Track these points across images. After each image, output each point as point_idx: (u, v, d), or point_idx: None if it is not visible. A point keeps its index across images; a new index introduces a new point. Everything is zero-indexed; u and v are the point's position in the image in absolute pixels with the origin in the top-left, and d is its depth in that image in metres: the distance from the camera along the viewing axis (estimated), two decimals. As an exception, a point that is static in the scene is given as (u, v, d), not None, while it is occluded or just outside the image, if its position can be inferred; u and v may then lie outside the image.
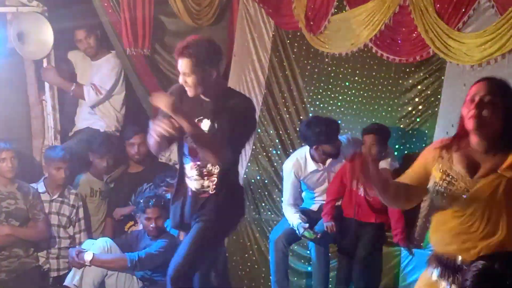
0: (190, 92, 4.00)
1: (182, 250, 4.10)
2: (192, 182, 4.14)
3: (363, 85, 5.51)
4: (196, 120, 4.02)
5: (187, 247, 4.08)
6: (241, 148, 4.23)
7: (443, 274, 3.09)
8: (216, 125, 4.00)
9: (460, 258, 3.04)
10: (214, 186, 4.11)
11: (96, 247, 5.35)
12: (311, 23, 5.41)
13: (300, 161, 5.31)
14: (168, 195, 5.31)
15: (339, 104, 5.63)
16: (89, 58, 6.24)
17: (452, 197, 3.04)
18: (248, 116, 4.09)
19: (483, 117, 2.97)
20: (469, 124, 3.00)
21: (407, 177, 3.19)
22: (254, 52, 5.99)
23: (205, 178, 4.11)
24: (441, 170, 3.08)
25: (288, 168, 5.36)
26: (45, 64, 6.06)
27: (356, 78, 5.46)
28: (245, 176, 6.03)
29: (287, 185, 5.39)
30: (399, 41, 5.12)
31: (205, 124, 4.03)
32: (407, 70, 5.34)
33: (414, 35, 5.08)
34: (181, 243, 4.25)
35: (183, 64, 3.92)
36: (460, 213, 3.03)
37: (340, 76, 5.55)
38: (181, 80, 3.99)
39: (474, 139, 3.05)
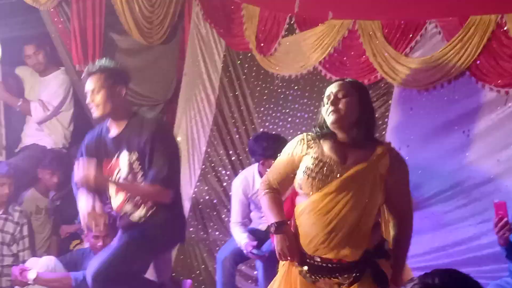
0: (98, 112, 3.99)
1: (105, 254, 4.09)
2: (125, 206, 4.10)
3: (312, 107, 5.59)
4: (115, 158, 4.00)
5: (111, 255, 4.05)
6: (178, 168, 4.18)
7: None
8: (132, 155, 3.95)
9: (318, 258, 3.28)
10: (150, 212, 4.06)
11: (40, 265, 5.24)
12: (262, 44, 5.49)
13: (248, 179, 5.36)
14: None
15: (288, 125, 5.71)
16: (37, 74, 6.21)
17: (324, 182, 3.23)
18: (168, 133, 4.14)
19: (340, 110, 3.26)
20: (329, 120, 3.27)
21: (280, 174, 3.40)
22: (205, 71, 6.03)
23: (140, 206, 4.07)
24: (313, 157, 3.30)
25: (236, 185, 5.41)
26: (-10, 78, 6.00)
27: (306, 100, 5.55)
28: (193, 195, 6.06)
29: (235, 203, 5.43)
30: (348, 65, 5.22)
31: (123, 158, 4.00)
32: (356, 93, 5.43)
33: (362, 59, 5.18)
34: (107, 247, 4.23)
35: (92, 81, 3.96)
36: (325, 201, 3.22)
37: (290, 97, 5.63)
38: (88, 99, 4.00)
39: (338, 134, 3.31)
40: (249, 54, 5.74)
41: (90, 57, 5.96)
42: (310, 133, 3.40)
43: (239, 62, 5.88)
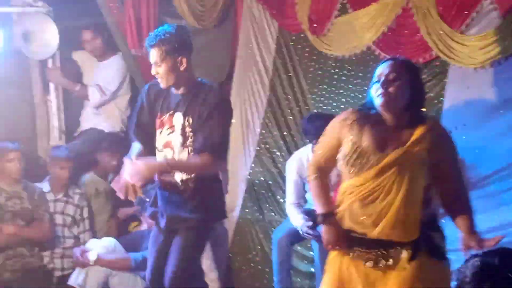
0: (162, 83, 4.01)
1: (173, 259, 4.14)
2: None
3: (365, 87, 5.50)
4: (168, 114, 4.07)
5: (178, 257, 4.13)
6: (228, 138, 4.22)
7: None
8: (187, 119, 4.01)
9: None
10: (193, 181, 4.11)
11: (100, 247, 5.39)
12: (315, 25, 5.43)
13: (302, 159, 5.35)
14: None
15: (342, 106, 5.66)
16: (95, 58, 6.30)
17: (361, 169, 3.25)
18: (222, 105, 4.10)
19: (389, 93, 3.22)
20: (377, 102, 3.24)
21: (326, 154, 3.44)
22: (258, 53, 6.00)
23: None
24: (352, 142, 3.29)
25: (291, 166, 5.41)
26: (50, 64, 6.12)
27: (359, 80, 5.49)
28: (249, 177, 6.08)
29: (290, 184, 5.43)
30: (402, 43, 5.14)
31: (177, 118, 4.06)
32: (410, 72, 5.37)
33: (416, 37, 5.09)
34: (170, 253, 4.22)
35: (154, 54, 3.96)
36: (365, 186, 3.24)
37: (343, 78, 5.57)
38: (153, 71, 4.00)
39: (384, 115, 3.28)
40: (302, 35, 5.70)
41: (144, 41, 5.99)
42: (354, 111, 3.38)
43: (292, 43, 5.83)
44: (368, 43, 5.22)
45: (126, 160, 3.99)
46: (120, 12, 6.04)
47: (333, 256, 3.45)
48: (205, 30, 6.12)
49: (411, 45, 5.11)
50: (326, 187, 3.49)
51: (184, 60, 3.99)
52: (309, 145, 5.35)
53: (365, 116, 3.31)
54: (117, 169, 6.12)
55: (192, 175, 4.09)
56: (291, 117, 5.95)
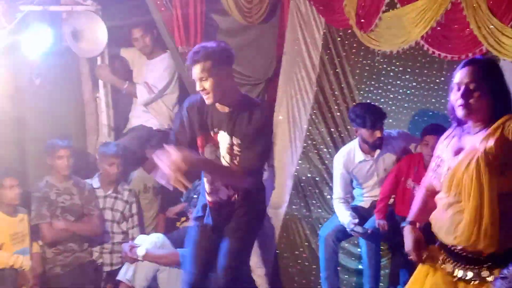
0: (209, 99, 3.91)
1: (224, 261, 4.17)
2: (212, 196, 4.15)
3: (414, 83, 5.48)
4: (212, 133, 4.01)
5: (229, 257, 4.15)
6: (267, 156, 4.23)
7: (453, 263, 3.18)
8: (234, 139, 3.95)
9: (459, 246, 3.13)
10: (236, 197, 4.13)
11: (149, 242, 5.41)
12: (362, 20, 5.37)
13: (350, 153, 5.34)
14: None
15: (390, 102, 5.60)
16: (144, 56, 6.31)
17: (438, 179, 3.18)
18: (268, 125, 4.11)
19: (471, 105, 3.06)
20: (459, 112, 3.09)
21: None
22: (305, 49, 5.95)
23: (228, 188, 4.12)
24: (437, 155, 3.24)
25: (338, 160, 5.39)
26: (99, 62, 6.13)
27: (407, 76, 5.42)
28: (295, 173, 6.05)
29: (337, 179, 5.40)
30: (451, 38, 5.06)
31: (222, 136, 4.00)
32: (460, 67, 5.27)
33: (466, 32, 5.01)
34: (221, 255, 4.22)
35: (198, 69, 3.85)
36: (445, 198, 3.14)
37: (391, 74, 5.51)
38: (198, 87, 3.91)
39: (468, 123, 3.15)
40: (349, 31, 5.63)
41: (192, 39, 5.99)
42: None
43: (339, 39, 5.77)
44: (417, 38, 5.15)
45: (160, 151, 3.83)
46: (167, 10, 6.00)
47: (421, 268, 3.38)
48: (251, 26, 6.08)
49: (461, 40, 5.03)
50: (424, 200, 3.43)
51: (230, 74, 3.94)
52: (356, 139, 5.29)
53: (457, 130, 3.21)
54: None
55: (239, 192, 4.10)
56: (338, 114, 5.90)
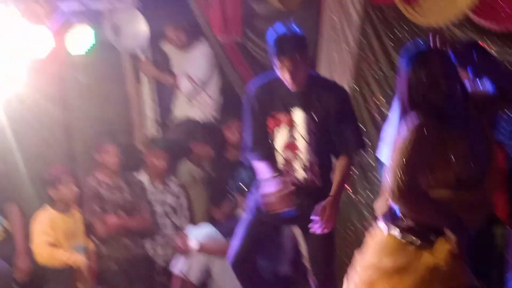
0: (291, 86, 3.80)
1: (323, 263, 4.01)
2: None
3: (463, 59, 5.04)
4: (285, 112, 3.82)
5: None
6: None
7: None
8: (313, 117, 3.80)
9: None
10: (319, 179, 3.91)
11: (200, 234, 5.21)
12: (407, -6, 4.99)
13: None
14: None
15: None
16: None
17: None
18: (350, 102, 4.01)
19: None
20: None
21: None
22: (341, 31, 5.54)
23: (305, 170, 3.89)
24: None
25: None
26: (141, 56, 5.94)
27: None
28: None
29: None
30: (502, 9, 4.63)
31: (298, 114, 3.81)
32: (512, 40, 4.81)
33: (517, 1, 4.58)
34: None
35: (284, 62, 3.74)
36: None
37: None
38: (280, 74, 3.80)
39: None
40: (390, 7, 5.24)
41: (230, 26, 5.70)
42: None
43: (379, 15, 5.37)
44: (465, 10, 4.72)
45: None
46: (205, 0, 5.75)
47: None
48: (290, 11, 5.73)
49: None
50: None
51: (307, 62, 3.87)
52: None
53: None
54: (212, 159, 5.90)
55: (317, 172, 3.88)
56: (380, 95, 5.51)
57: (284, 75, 3.77)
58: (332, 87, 3.95)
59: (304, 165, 3.88)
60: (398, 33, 5.25)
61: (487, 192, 3.02)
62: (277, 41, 3.76)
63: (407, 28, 5.19)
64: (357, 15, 5.46)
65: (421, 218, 2.98)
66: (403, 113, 3.02)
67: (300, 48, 3.76)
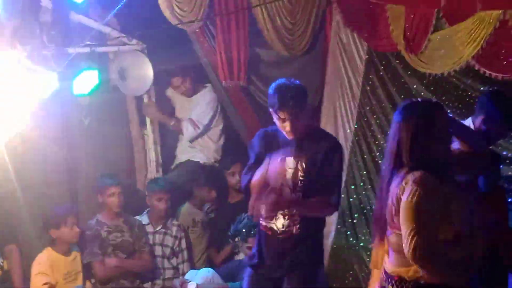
0: (289, 135, 3.91)
1: None
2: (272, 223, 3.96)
3: (468, 104, 5.03)
4: (279, 159, 3.87)
5: None
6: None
7: None
8: (302, 164, 3.88)
9: None
10: (298, 226, 3.92)
11: (199, 277, 5.10)
12: (411, 43, 4.97)
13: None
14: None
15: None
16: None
17: None
18: (340, 149, 4.01)
19: None
20: None
21: None
22: (346, 77, 5.57)
23: (285, 217, 3.93)
24: None
25: None
26: (145, 99, 5.91)
27: (457, 98, 5.00)
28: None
29: None
30: (503, 58, 4.63)
31: (290, 162, 3.89)
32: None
33: (517, 50, 4.60)
34: None
35: (285, 113, 3.82)
36: None
37: (443, 97, 5.07)
38: (278, 124, 3.90)
39: None
40: (394, 55, 5.24)
41: (235, 72, 5.71)
42: None
43: (384, 62, 5.37)
44: (468, 58, 4.72)
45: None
46: (211, 47, 5.74)
47: None
48: (294, 58, 5.76)
49: (513, 59, 4.59)
50: None
51: (306, 113, 3.95)
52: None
53: None
54: (215, 201, 5.84)
55: (297, 221, 3.92)
56: (383, 142, 5.47)
57: (283, 126, 3.87)
58: (324, 137, 4.04)
59: (285, 212, 3.92)
60: (402, 80, 5.25)
61: (479, 246, 2.94)
62: (277, 93, 3.84)
63: (411, 75, 5.18)
64: (361, 62, 5.49)
65: (439, 277, 2.89)
66: (396, 167, 2.95)
67: (299, 101, 3.84)
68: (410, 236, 2.83)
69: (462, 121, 4.11)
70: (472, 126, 4.08)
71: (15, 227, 5.09)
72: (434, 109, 3.04)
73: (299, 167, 3.88)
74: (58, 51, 5.24)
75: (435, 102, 3.29)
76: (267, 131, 4.07)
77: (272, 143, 3.99)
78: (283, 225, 3.93)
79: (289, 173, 3.89)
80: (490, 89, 4.61)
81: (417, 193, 2.84)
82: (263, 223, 4.01)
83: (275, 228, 3.96)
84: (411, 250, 2.83)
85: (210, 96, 5.97)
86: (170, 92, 6.17)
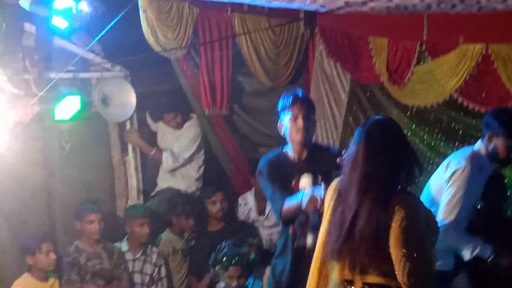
0: (299, 136, 3.90)
1: None
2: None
3: (451, 136, 5.00)
4: (294, 181, 3.89)
5: None
6: None
7: None
8: (317, 178, 3.82)
9: None
10: None
11: None
12: (394, 75, 4.97)
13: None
14: (252, 255, 5.05)
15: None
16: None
17: None
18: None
19: None
20: None
21: None
22: (328, 107, 5.58)
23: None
24: None
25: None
26: (128, 126, 5.81)
27: (441, 130, 4.97)
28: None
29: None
30: (485, 92, 4.62)
31: (306, 181, 3.85)
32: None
33: (499, 85, 4.58)
34: None
35: (298, 108, 3.89)
36: None
37: (426, 129, 5.04)
38: (290, 126, 3.89)
39: None
40: (378, 86, 5.22)
41: (218, 101, 5.66)
42: None
43: (367, 94, 5.35)
44: (451, 91, 4.71)
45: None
46: (194, 75, 5.68)
47: None
48: (278, 88, 5.72)
49: (495, 93, 4.58)
50: None
51: (315, 122, 4.04)
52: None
53: None
54: (194, 229, 5.73)
55: None
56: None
57: (295, 125, 3.87)
58: (328, 149, 4.07)
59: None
60: (385, 111, 5.22)
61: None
62: (290, 94, 3.96)
63: (394, 107, 5.15)
64: (344, 93, 5.46)
65: None
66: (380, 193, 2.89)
67: (311, 106, 3.97)
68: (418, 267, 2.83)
69: (470, 146, 4.12)
70: (483, 149, 4.03)
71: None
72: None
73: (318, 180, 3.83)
74: (40, 76, 5.19)
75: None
76: (272, 158, 4.04)
77: (282, 169, 3.96)
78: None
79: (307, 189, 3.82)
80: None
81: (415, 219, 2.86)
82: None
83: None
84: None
85: (195, 130, 5.90)
86: (156, 124, 6.08)
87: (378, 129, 2.94)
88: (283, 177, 3.94)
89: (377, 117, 3.15)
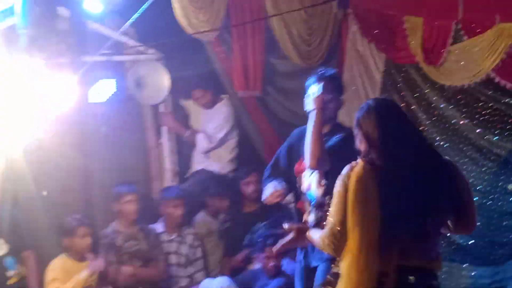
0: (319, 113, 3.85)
1: None
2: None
3: (487, 116, 4.88)
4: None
5: None
6: None
7: None
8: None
9: None
10: None
11: (215, 286, 5.01)
12: (430, 55, 4.85)
13: None
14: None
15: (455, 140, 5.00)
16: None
17: None
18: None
19: None
20: None
21: None
22: (362, 88, 5.47)
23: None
24: None
25: None
26: (162, 109, 5.82)
27: (479, 110, 4.85)
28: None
29: None
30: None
31: None
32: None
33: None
34: None
35: (319, 87, 3.82)
36: None
37: (464, 109, 4.91)
38: (311, 100, 3.83)
39: None
40: (414, 66, 5.10)
41: (251, 82, 5.62)
42: None
43: (402, 75, 5.23)
44: (488, 70, 4.58)
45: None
46: (227, 57, 5.65)
47: None
48: (310, 68, 5.62)
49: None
50: None
51: (338, 103, 4.00)
52: None
53: None
54: (229, 210, 5.72)
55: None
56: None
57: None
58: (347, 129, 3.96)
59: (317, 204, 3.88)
60: (421, 92, 5.11)
61: None
62: (316, 73, 3.93)
63: (430, 88, 5.04)
64: (378, 73, 5.35)
65: None
66: None
67: (335, 84, 3.93)
68: None
69: None
70: None
71: (33, 234, 5.01)
72: None
73: None
74: (75, 60, 5.20)
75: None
76: (299, 131, 4.03)
77: (301, 144, 3.91)
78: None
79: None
80: None
81: None
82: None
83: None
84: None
85: (227, 110, 5.88)
86: (188, 102, 6.08)
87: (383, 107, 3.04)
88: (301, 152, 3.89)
89: (369, 100, 3.16)
